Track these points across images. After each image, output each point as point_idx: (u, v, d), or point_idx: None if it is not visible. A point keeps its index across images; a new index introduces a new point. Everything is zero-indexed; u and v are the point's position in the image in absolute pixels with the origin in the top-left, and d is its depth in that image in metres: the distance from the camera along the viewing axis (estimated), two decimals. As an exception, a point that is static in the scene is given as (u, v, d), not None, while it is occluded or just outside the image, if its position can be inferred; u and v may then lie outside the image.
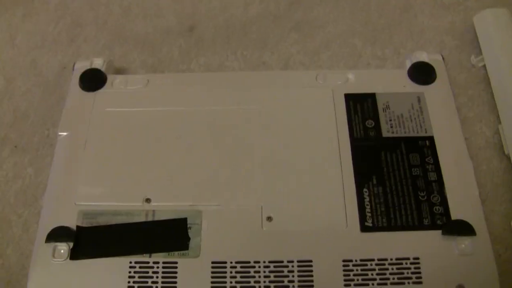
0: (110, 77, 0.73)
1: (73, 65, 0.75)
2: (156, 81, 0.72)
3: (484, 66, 0.76)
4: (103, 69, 0.73)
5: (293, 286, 0.57)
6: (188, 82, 0.73)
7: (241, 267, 0.58)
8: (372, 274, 0.57)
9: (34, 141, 0.74)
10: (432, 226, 0.59)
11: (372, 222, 0.60)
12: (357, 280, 0.57)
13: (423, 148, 0.64)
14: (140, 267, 0.58)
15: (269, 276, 0.57)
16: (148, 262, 0.58)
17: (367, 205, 0.61)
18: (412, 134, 0.66)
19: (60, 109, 0.72)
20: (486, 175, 0.68)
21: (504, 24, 0.75)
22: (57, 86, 0.79)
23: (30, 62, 0.83)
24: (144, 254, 0.59)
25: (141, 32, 0.86)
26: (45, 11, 0.90)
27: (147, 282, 0.58)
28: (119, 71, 0.80)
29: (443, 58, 0.73)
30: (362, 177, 0.63)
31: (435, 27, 0.83)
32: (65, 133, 0.68)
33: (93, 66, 0.74)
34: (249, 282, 0.57)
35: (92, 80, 0.72)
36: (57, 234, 0.60)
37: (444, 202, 0.61)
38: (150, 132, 0.67)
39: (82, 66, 0.74)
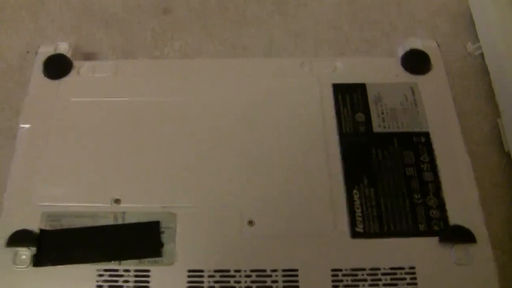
0: (76, 64, 0.68)
1: (37, 50, 0.70)
2: (127, 69, 0.68)
3: (482, 54, 0.73)
4: (68, 55, 0.69)
5: (278, 298, 0.53)
6: (161, 70, 0.68)
7: (220, 276, 0.54)
8: (363, 285, 0.53)
9: (-6, 133, 0.70)
10: (429, 232, 0.56)
11: (363, 228, 0.56)
12: (348, 291, 0.54)
13: (418, 145, 0.60)
14: (109, 276, 0.54)
15: (251, 287, 0.53)
16: (117, 270, 0.54)
17: (358, 208, 0.57)
18: (406, 129, 0.62)
19: (24, 98, 0.67)
20: (484, 174, 0.65)
21: (503, 8, 0.71)
22: (20, 72, 0.75)
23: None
24: (114, 261, 0.55)
25: (110, 11, 0.80)
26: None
27: (117, 292, 0.54)
28: (87, 56, 0.75)
29: (438, 45, 0.69)
30: (352, 177, 0.59)
31: (426, 8, 0.79)
32: (26, 126, 0.63)
33: (58, 51, 0.69)
34: (229, 293, 0.54)
35: (57, 67, 0.67)
36: (18, 238, 0.56)
37: (441, 205, 0.57)
38: (119, 125, 0.63)
39: (46, 51, 0.69)
